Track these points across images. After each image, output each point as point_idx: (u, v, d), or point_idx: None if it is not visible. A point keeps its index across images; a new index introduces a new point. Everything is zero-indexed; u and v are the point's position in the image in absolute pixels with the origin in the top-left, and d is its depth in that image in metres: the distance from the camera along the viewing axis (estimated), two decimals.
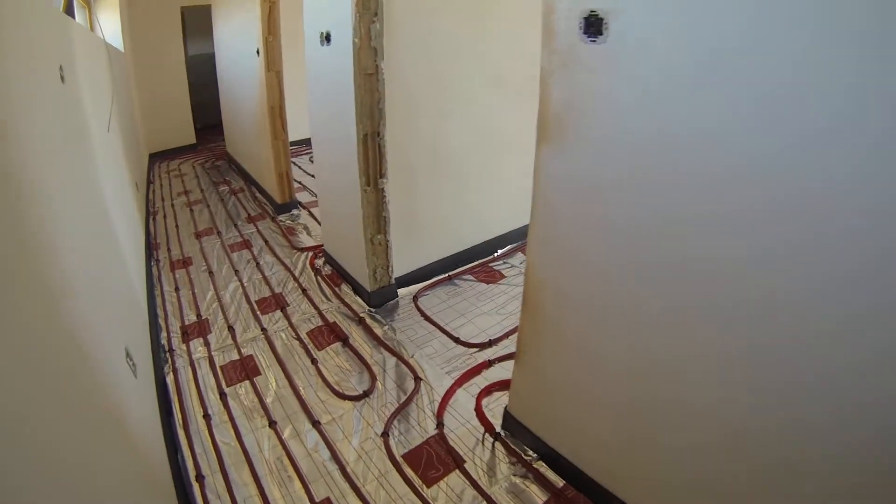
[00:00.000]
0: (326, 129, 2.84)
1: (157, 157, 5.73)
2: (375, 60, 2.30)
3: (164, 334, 2.69)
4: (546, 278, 1.61)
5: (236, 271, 3.32)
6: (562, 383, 1.70)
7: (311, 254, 3.50)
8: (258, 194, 4.62)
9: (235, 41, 4.36)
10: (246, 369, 2.42)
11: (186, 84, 5.73)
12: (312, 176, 5.06)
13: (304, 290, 3.05)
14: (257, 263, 3.41)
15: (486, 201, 3.27)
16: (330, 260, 3.30)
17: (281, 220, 4.09)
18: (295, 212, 4.23)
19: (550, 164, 1.45)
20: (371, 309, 2.85)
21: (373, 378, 2.35)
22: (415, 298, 2.97)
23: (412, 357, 2.49)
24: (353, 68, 2.25)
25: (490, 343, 2.57)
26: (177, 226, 4.09)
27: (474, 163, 3.08)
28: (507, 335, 2.63)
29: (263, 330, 2.70)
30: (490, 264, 3.36)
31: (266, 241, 3.73)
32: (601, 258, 1.41)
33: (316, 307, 2.89)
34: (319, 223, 3.98)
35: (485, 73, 2.90)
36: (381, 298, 2.89)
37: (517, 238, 3.56)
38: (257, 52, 3.62)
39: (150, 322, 2.66)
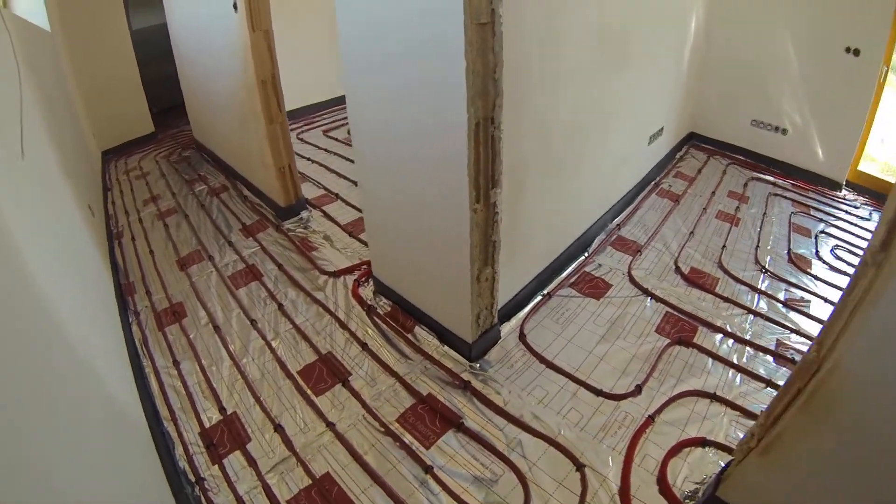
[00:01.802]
0: (391, 115, 1.77)
1: (111, 155, 4.51)
2: (491, 1, 1.34)
3: (178, 450, 1.78)
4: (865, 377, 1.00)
5: (253, 322, 2.35)
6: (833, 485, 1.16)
7: (350, 281, 2.57)
8: (248, 193, 3.56)
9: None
10: (330, 502, 1.57)
11: (135, 62, 4.49)
12: (310, 160, 4.01)
13: (363, 346, 2.16)
14: (279, 305, 2.45)
15: (582, 191, 2.45)
16: (386, 291, 2.38)
17: (289, 229, 3.09)
18: (304, 214, 3.23)
19: None
20: (473, 365, 2.02)
21: (521, 479, 1.60)
22: (521, 336, 2.15)
23: (560, 434, 1.73)
24: (464, 13, 1.28)
25: (638, 389, 1.90)
26: (151, 252, 3.03)
27: (578, 143, 2.21)
28: (650, 374, 1.96)
29: (329, 425, 1.82)
30: (584, 269, 2.57)
31: (279, 266, 2.75)
32: None
33: (392, 372, 2.02)
34: (342, 227, 3.04)
35: (609, 22, 2.01)
36: (484, 346, 2.05)
37: (600, 230, 2.82)
38: (234, 6, 2.51)
39: (154, 434, 1.76)
